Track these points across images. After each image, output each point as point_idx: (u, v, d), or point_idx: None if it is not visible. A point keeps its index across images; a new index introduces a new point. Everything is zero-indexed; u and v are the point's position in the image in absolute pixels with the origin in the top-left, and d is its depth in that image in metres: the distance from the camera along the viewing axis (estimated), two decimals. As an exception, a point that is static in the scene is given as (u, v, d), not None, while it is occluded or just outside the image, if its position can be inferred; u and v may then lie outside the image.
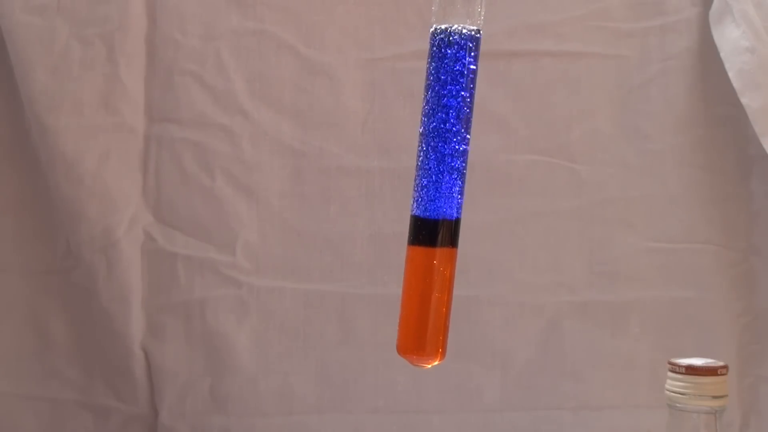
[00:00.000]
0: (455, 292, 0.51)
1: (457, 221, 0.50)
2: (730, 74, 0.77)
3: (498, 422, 0.82)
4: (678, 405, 0.54)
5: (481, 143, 0.79)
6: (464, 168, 0.50)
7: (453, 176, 0.50)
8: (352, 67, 0.82)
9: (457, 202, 0.50)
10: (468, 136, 0.50)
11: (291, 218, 0.82)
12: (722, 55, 0.78)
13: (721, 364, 0.54)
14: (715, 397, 0.54)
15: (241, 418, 0.81)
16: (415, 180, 0.51)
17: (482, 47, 0.51)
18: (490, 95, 0.81)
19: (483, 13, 0.50)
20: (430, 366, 0.50)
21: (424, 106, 0.50)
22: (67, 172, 0.80)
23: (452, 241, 0.50)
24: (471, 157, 0.51)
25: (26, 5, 0.79)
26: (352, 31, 0.82)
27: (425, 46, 0.81)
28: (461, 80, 0.50)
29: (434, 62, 0.50)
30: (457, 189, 0.50)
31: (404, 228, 0.80)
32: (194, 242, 0.82)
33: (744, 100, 0.76)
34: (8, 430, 0.84)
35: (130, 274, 0.81)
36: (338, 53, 0.82)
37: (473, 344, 0.82)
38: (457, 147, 0.50)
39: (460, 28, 0.50)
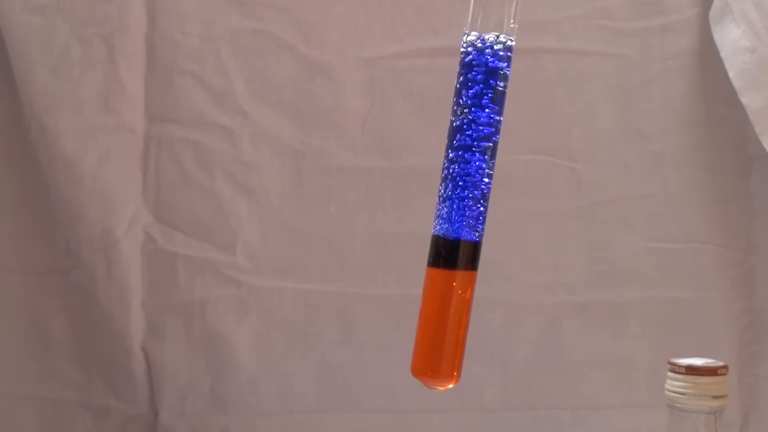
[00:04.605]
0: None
1: (479, 244, 0.50)
2: (731, 74, 0.76)
3: (498, 422, 0.82)
4: (678, 405, 0.54)
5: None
6: (489, 189, 0.50)
7: (477, 198, 0.50)
8: (352, 67, 0.82)
9: (480, 224, 0.50)
10: (493, 160, 0.50)
11: (291, 218, 0.82)
12: (722, 54, 0.78)
13: (721, 364, 0.54)
14: (715, 397, 0.54)
15: (242, 418, 0.81)
16: (438, 200, 0.50)
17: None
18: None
19: (516, 24, 0.50)
20: (443, 389, 0.50)
21: (451, 125, 0.50)
22: (66, 172, 0.80)
23: (473, 263, 0.50)
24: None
25: (26, 5, 0.79)
26: (351, 30, 0.82)
27: (425, 44, 0.82)
28: (490, 101, 0.50)
29: (463, 80, 0.50)
30: (481, 211, 0.50)
31: (404, 228, 0.81)
32: (194, 242, 0.82)
33: (744, 100, 0.76)
34: (8, 430, 0.84)
35: (129, 275, 0.81)
36: (338, 52, 0.82)
37: (473, 344, 0.80)
38: (482, 168, 0.50)
39: (491, 42, 0.50)
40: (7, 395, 0.84)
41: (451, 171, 0.50)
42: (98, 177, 0.80)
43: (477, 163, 0.49)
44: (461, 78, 0.50)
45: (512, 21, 0.50)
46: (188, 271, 0.81)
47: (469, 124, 0.49)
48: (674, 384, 0.54)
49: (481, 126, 0.49)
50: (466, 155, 0.49)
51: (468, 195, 0.49)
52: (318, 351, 0.82)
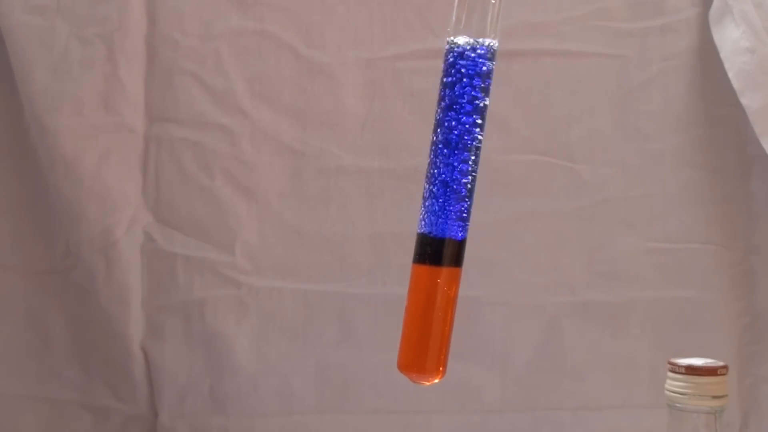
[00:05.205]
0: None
1: (463, 241, 0.50)
2: (730, 74, 0.76)
3: (498, 422, 0.82)
4: (678, 405, 0.54)
5: (481, 143, 0.79)
6: (473, 188, 0.50)
7: (461, 196, 0.50)
8: (352, 67, 0.82)
9: (464, 222, 0.50)
10: (477, 158, 0.50)
11: (290, 218, 0.82)
12: (722, 55, 0.78)
13: (721, 364, 0.54)
14: (715, 397, 0.54)
15: (241, 419, 0.81)
16: (423, 198, 0.51)
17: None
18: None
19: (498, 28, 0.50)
20: (429, 384, 0.50)
21: (435, 124, 0.51)
22: (66, 172, 0.80)
23: (457, 260, 0.50)
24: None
25: (26, 5, 0.79)
26: (351, 31, 0.82)
27: (425, 45, 0.82)
28: (473, 101, 0.50)
29: (446, 80, 0.50)
30: (465, 209, 0.50)
31: (404, 228, 0.81)
32: (193, 242, 0.82)
33: (744, 101, 0.75)
34: (8, 430, 0.84)
35: (129, 275, 0.81)
36: (338, 53, 0.82)
37: (473, 344, 0.82)
38: (466, 166, 0.50)
39: (473, 44, 0.50)
40: (7, 395, 0.84)
41: (434, 169, 0.50)
42: (98, 177, 0.80)
43: (460, 162, 0.50)
44: (444, 79, 0.51)
45: (494, 33, 0.50)
46: (187, 271, 0.81)
47: (450, 123, 0.50)
48: (674, 384, 0.54)
49: (464, 125, 0.50)
50: (448, 154, 0.50)
51: (452, 193, 0.50)
52: (317, 351, 0.82)
